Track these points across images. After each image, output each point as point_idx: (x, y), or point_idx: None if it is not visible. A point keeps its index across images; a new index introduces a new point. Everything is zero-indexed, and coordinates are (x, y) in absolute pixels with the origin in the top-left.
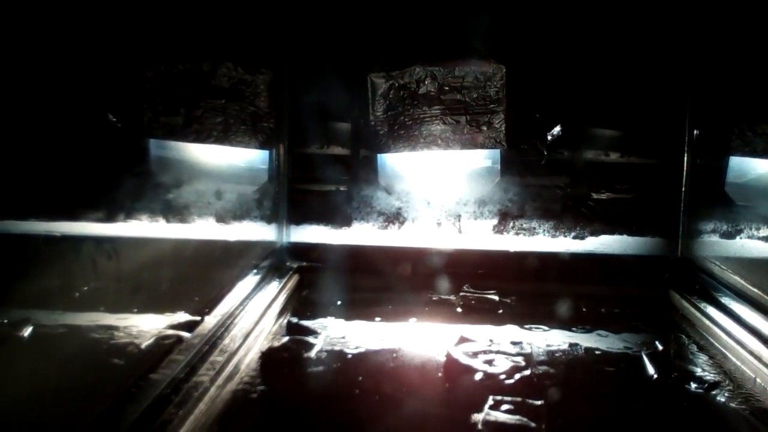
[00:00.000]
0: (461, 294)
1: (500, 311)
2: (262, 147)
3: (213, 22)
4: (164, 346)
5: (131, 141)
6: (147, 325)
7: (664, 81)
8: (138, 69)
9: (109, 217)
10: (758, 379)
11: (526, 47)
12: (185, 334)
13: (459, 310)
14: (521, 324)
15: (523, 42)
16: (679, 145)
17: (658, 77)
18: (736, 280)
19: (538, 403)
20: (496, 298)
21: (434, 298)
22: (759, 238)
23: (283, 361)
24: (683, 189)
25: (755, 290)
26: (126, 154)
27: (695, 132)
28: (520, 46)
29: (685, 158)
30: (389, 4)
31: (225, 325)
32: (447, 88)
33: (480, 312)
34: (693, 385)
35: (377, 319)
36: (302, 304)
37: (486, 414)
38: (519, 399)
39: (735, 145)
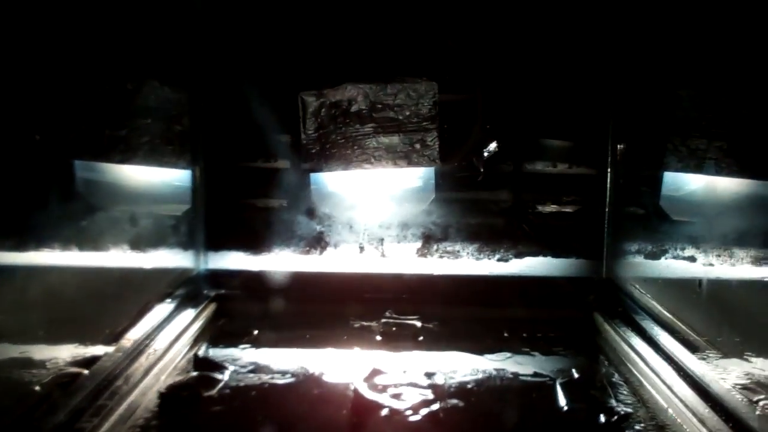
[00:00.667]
0: (383, 320)
1: (420, 338)
2: (187, 167)
3: (136, 39)
4: (55, 387)
5: (54, 162)
6: (47, 359)
7: (589, 95)
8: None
9: (20, 246)
10: (670, 410)
11: (459, 65)
12: (83, 371)
13: (378, 337)
14: (441, 349)
15: (457, 59)
16: (605, 161)
17: (585, 91)
18: (654, 305)
19: None
20: (419, 323)
21: (355, 325)
22: (683, 258)
23: (183, 402)
24: (607, 209)
25: (670, 316)
26: (46, 177)
27: (619, 147)
28: (453, 63)
29: (608, 175)
30: (319, 23)
31: (128, 358)
32: (379, 105)
33: (400, 338)
34: (603, 417)
35: (293, 349)
36: (215, 335)
37: None
38: None
39: (668, 160)
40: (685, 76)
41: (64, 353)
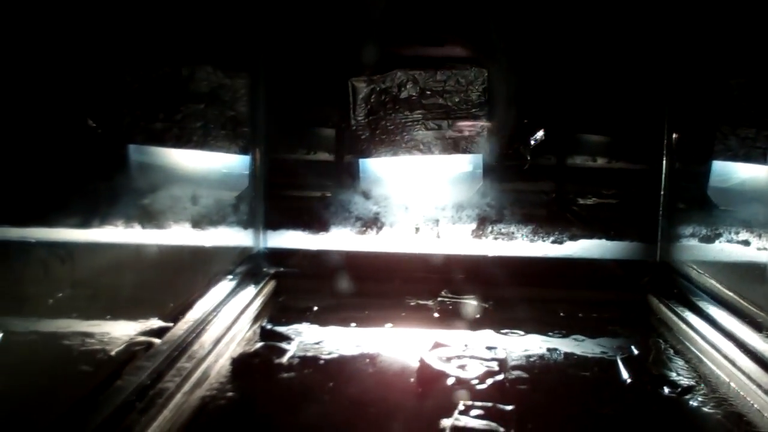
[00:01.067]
0: (439, 299)
1: (477, 316)
2: (240, 152)
3: (191, 25)
4: (132, 353)
5: (110, 146)
6: (119, 332)
7: (643, 86)
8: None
9: (85, 223)
10: (732, 383)
11: (510, 53)
12: (155, 340)
13: (436, 315)
14: (497, 329)
15: (507, 48)
16: (659, 149)
17: (638, 82)
18: (713, 284)
19: (509, 408)
20: (474, 302)
21: (411, 304)
22: (737, 242)
23: (254, 367)
24: (662, 193)
25: (730, 294)
26: (105, 159)
27: (674, 136)
28: (504, 51)
29: (664, 162)
30: (370, 9)
31: (196, 331)
32: (429, 92)
33: (456, 317)
34: (666, 389)
35: (353, 324)
36: (278, 309)
37: (455, 419)
38: (490, 404)
39: (718, 149)
40: (736, 65)
41: (136, 325)
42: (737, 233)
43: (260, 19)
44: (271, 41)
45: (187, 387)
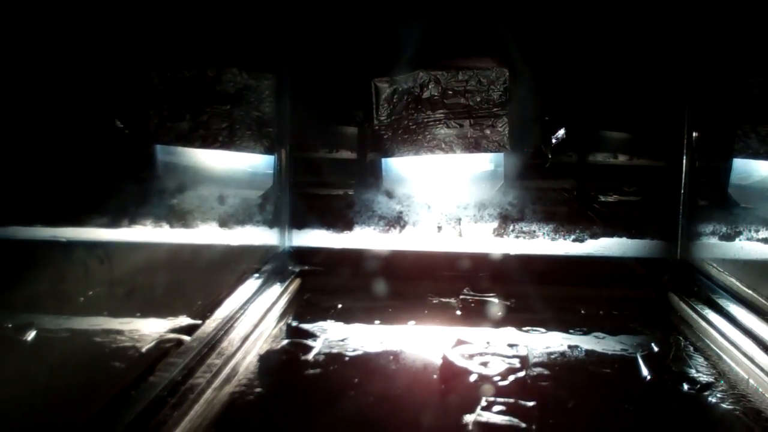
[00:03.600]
0: (461, 297)
1: (499, 313)
2: (265, 152)
3: (217, 27)
4: (164, 350)
5: (138, 146)
6: (149, 329)
7: (664, 84)
8: (144, 75)
9: (114, 223)
10: (751, 380)
11: (530, 52)
12: (185, 337)
13: (458, 312)
14: (519, 326)
15: (528, 47)
16: (680, 147)
17: (659, 80)
18: (733, 282)
19: (531, 404)
20: (496, 300)
21: (434, 301)
22: (758, 240)
23: (281, 364)
24: (682, 191)
25: (750, 292)
26: (132, 160)
27: (694, 134)
28: (524, 50)
29: (684, 160)
30: (393, 9)
31: (225, 329)
32: (450, 92)
33: (479, 314)
34: (686, 386)
35: (376, 322)
36: (303, 307)
37: (477, 415)
38: (512, 400)
39: (738, 147)
40: (756, 63)
41: (165, 323)
42: (757, 231)
43: (285, 20)
44: (296, 43)
45: (216, 383)
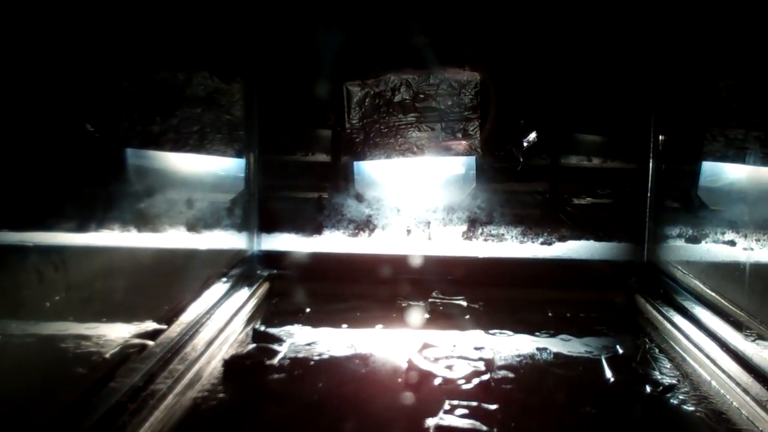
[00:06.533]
0: (429, 300)
1: (467, 317)
2: (236, 155)
3: (187, 30)
4: (126, 355)
5: (108, 150)
6: (114, 334)
7: (631, 89)
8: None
9: (82, 227)
10: (713, 382)
11: (501, 57)
12: (149, 343)
13: (426, 316)
14: (486, 329)
15: (499, 52)
16: (647, 151)
17: (626, 85)
18: (697, 284)
19: (493, 407)
20: (464, 303)
21: (403, 305)
22: (724, 242)
23: (246, 369)
24: (649, 194)
25: (714, 294)
26: (102, 164)
27: (660, 138)
28: (496, 55)
29: (651, 163)
30: (363, 13)
31: (189, 333)
32: (422, 95)
33: (447, 318)
34: (649, 388)
35: (344, 326)
36: (271, 311)
37: (440, 419)
38: (474, 403)
39: (707, 150)
40: (724, 66)
41: (129, 327)
42: (723, 234)
43: (254, 24)
44: (265, 46)
45: (179, 388)
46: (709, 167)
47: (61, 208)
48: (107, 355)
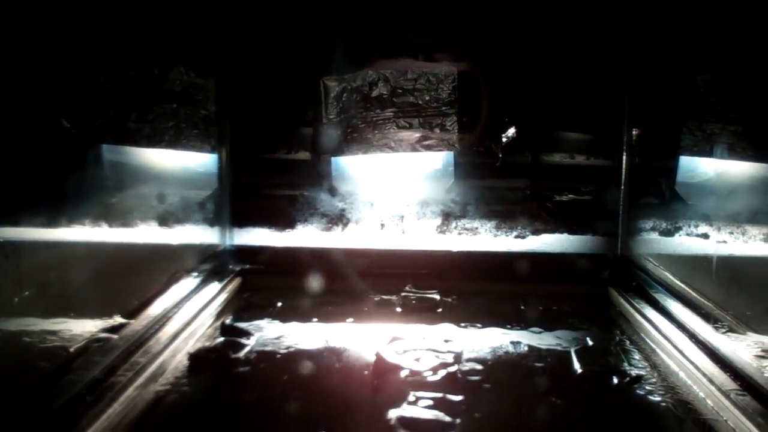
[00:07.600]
0: (402, 294)
1: (439, 310)
2: (212, 150)
3: (162, 25)
4: (86, 348)
5: (83, 146)
6: (80, 329)
7: (606, 84)
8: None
9: (53, 222)
10: (681, 373)
11: (479, 52)
12: (113, 336)
13: (399, 309)
14: (457, 322)
15: (477, 47)
16: (620, 145)
17: (601, 82)
18: (667, 276)
19: (458, 398)
20: (437, 297)
21: (375, 299)
22: (697, 235)
23: (211, 362)
24: (622, 188)
25: (683, 286)
26: (77, 159)
27: (634, 132)
28: (473, 50)
29: (624, 158)
30: (341, 7)
31: (154, 327)
32: (400, 90)
33: (419, 311)
34: (617, 379)
35: (314, 320)
36: (242, 306)
37: (402, 410)
38: (440, 395)
39: (684, 144)
40: (702, 61)
41: (95, 322)
42: (697, 227)
43: (227, 18)
44: (237, 41)
45: (140, 381)
46: (687, 162)
47: (31, 203)
48: (72, 350)
